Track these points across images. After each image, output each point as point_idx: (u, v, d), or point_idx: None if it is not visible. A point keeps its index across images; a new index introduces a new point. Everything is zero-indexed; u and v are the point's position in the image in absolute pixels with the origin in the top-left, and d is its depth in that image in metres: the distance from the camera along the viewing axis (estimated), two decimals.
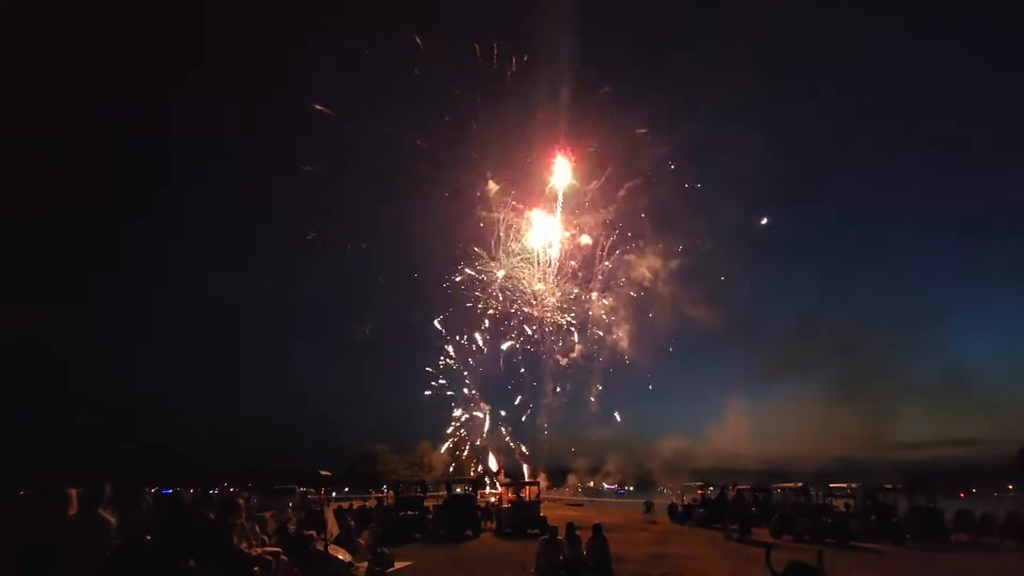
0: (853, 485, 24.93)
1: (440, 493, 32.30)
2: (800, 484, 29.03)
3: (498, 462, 59.93)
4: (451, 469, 58.23)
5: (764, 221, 52.54)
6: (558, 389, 56.39)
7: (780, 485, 31.26)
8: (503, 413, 57.32)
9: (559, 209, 50.87)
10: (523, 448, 57.85)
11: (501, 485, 39.21)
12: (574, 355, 54.93)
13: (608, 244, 52.62)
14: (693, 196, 51.46)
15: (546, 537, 12.70)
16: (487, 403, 57.35)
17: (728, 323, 62.48)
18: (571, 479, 71.31)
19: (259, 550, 9.24)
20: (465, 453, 58.34)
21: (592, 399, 55.85)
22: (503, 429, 57.43)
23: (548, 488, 60.16)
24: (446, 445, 56.60)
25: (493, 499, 35.95)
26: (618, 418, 62.86)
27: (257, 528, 11.15)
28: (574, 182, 49.78)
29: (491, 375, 56.59)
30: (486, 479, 47.39)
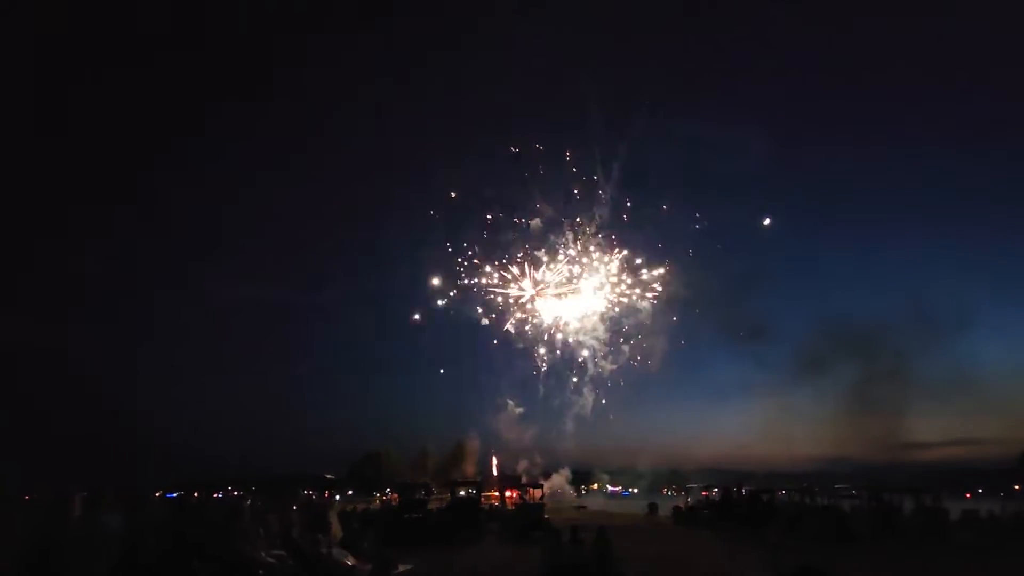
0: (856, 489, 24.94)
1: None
2: (805, 485, 28.95)
3: (498, 465, 59.81)
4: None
5: (767, 223, 52.21)
6: (573, 384, 55.81)
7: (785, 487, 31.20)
8: (521, 410, 56.95)
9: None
10: (537, 456, 57.45)
11: (501, 488, 39.11)
12: (607, 363, 54.35)
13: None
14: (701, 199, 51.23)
15: (550, 539, 12.70)
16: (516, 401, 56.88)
17: (736, 326, 62.40)
18: (600, 477, 71.47)
19: (264, 553, 9.28)
20: None
21: (604, 402, 55.27)
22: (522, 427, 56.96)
23: (571, 489, 59.87)
24: None
25: (495, 501, 35.94)
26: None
27: (262, 531, 11.18)
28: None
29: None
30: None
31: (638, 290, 52.48)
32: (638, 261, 52.31)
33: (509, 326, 53.26)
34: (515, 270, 52.00)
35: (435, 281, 52.17)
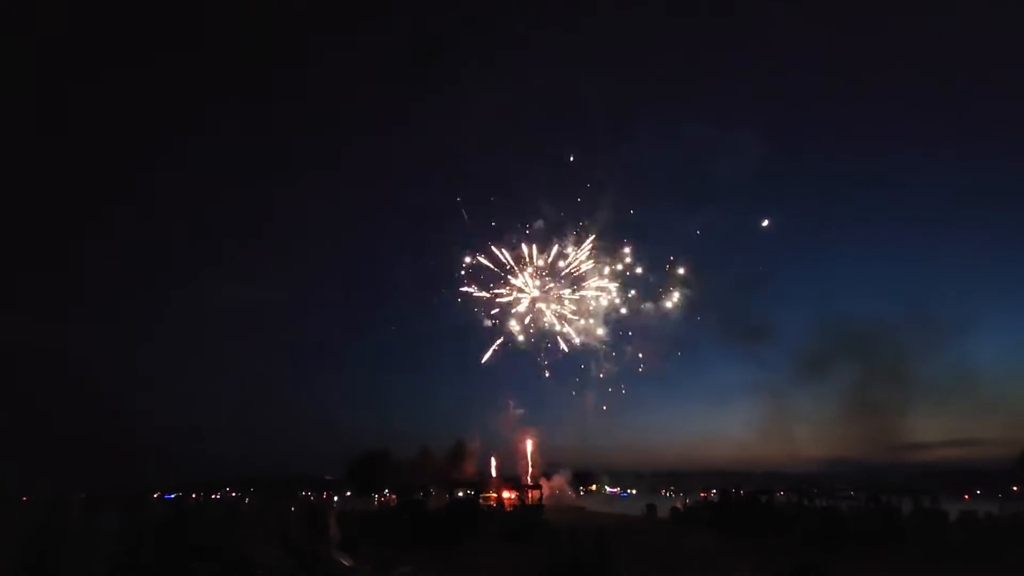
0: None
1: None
2: (804, 487, 28.98)
3: (498, 466, 59.74)
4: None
5: (765, 223, 52.40)
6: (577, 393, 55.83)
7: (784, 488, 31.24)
8: (521, 411, 57.04)
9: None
10: (537, 457, 57.47)
11: (500, 489, 39.07)
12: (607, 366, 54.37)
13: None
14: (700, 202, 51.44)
15: (548, 541, 12.71)
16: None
17: (737, 328, 62.58)
18: (600, 478, 71.49)
19: (262, 554, 9.28)
20: None
21: (604, 408, 55.29)
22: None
23: (568, 492, 59.94)
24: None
25: (493, 502, 35.88)
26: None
27: (260, 532, 11.19)
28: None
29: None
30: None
31: (641, 292, 52.66)
32: (641, 264, 52.53)
33: (513, 328, 53.43)
34: (518, 271, 52.15)
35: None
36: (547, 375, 54.57)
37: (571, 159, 51.38)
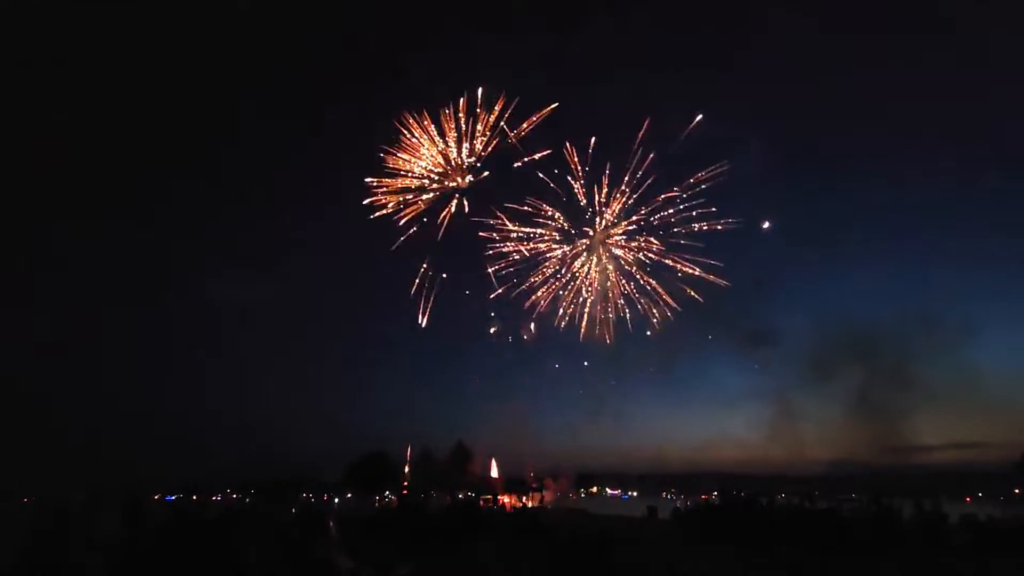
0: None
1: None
2: (804, 490, 28.93)
3: (499, 468, 59.64)
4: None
5: (766, 226, 52.29)
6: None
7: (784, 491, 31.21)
8: (523, 413, 56.78)
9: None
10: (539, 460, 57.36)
11: (498, 491, 39.03)
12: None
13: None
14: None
15: (549, 542, 12.71)
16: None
17: (742, 333, 62.34)
18: (601, 480, 71.36)
19: (261, 555, 9.26)
20: None
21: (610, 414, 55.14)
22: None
23: (568, 493, 59.78)
24: None
25: (490, 503, 35.85)
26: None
27: (260, 534, 11.16)
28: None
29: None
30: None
31: (647, 298, 52.60)
32: (647, 268, 52.38)
33: (522, 333, 53.32)
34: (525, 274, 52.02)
35: None
36: (554, 370, 54.36)
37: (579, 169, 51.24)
